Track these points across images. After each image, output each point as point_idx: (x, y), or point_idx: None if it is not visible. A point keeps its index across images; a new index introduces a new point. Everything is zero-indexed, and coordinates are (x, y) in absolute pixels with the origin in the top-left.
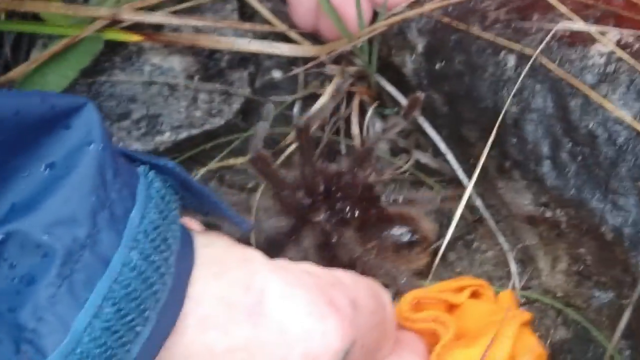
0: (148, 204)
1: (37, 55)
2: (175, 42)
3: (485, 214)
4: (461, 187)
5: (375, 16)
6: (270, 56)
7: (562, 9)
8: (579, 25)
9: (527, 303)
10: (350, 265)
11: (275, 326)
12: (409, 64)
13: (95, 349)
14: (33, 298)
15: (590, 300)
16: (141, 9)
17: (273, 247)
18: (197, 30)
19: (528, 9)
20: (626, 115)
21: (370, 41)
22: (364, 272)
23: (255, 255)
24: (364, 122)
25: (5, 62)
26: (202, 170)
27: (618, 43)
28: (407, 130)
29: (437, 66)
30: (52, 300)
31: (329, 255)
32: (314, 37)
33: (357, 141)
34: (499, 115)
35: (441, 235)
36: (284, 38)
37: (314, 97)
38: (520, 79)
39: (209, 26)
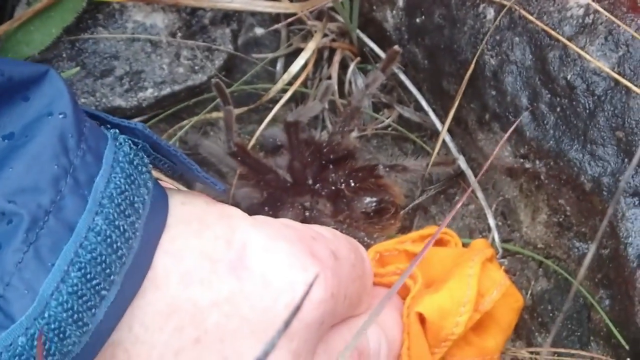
0: (115, 168)
1: (21, 13)
2: (158, 0)
3: (465, 168)
4: (443, 141)
5: None
6: (252, 13)
7: None
8: None
9: (508, 255)
10: None
11: (259, 279)
12: (389, 19)
13: (63, 312)
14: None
15: (570, 251)
16: None
17: None
18: None
19: None
20: (604, 66)
21: None
22: None
23: (234, 212)
24: (346, 79)
25: None
26: (186, 126)
27: None
28: (389, 86)
29: (418, 20)
30: (19, 266)
31: None
32: None
33: (338, 97)
34: (478, 68)
35: (423, 190)
36: None
37: (296, 53)
38: (495, 29)
39: None
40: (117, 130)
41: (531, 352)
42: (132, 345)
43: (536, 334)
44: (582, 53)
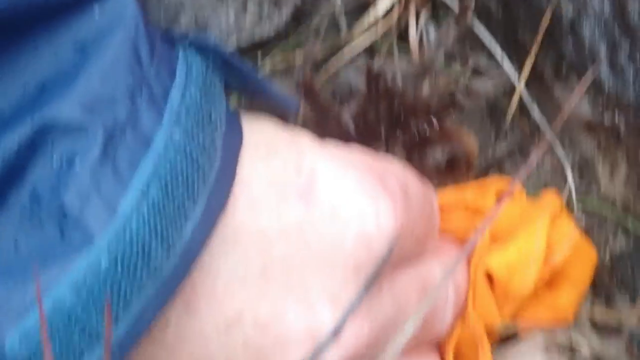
0: (189, 82)
1: None
2: None
3: (542, 122)
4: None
5: None
6: None
7: None
8: None
9: (586, 212)
10: None
11: (328, 207)
12: None
13: (145, 230)
14: (76, 180)
15: None
16: None
17: None
18: None
19: None
20: None
21: None
22: None
23: (304, 138)
24: (417, 28)
25: None
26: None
27: None
28: (462, 37)
29: None
30: (97, 181)
31: None
32: None
33: (413, 48)
34: (555, 18)
35: (497, 146)
36: None
37: (366, 5)
38: None
39: None
40: (189, 45)
41: (610, 314)
42: (198, 273)
43: (615, 294)
44: None
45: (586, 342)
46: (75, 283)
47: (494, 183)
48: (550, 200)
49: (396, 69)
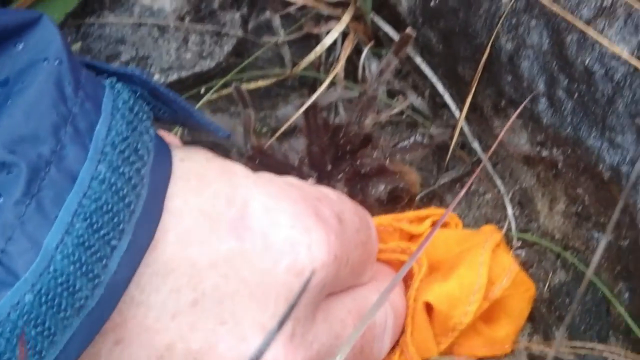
0: (115, 115)
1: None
2: None
3: (482, 156)
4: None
5: None
6: None
7: None
8: None
9: (525, 246)
10: None
11: (260, 239)
12: (404, 2)
13: (70, 265)
14: (1, 218)
15: (589, 242)
16: None
17: None
18: None
19: None
20: (623, 51)
21: None
22: None
23: (236, 168)
24: (359, 64)
25: None
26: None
27: None
28: (405, 71)
29: (432, 3)
30: (21, 219)
31: None
32: None
33: (352, 83)
34: (494, 52)
35: (439, 178)
36: None
37: (308, 37)
38: (511, 12)
39: None
40: (115, 78)
41: (547, 346)
42: (127, 306)
43: (553, 327)
44: (600, 37)
45: None
46: None
47: (432, 213)
48: (490, 233)
49: (339, 102)
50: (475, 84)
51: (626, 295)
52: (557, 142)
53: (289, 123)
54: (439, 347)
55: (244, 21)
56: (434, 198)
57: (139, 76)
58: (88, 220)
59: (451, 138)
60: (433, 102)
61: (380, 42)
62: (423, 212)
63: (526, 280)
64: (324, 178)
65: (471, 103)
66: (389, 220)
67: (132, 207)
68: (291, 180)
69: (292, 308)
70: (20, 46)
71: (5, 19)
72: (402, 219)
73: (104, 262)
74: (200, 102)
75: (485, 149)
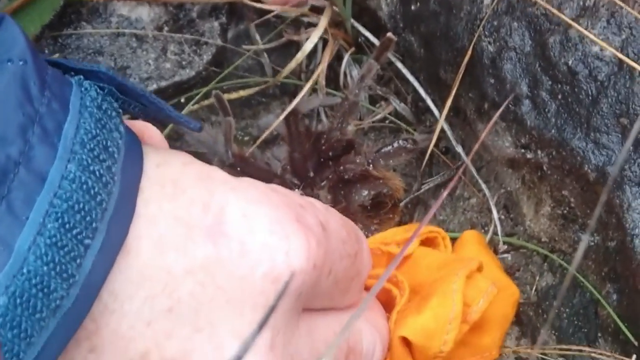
0: (83, 113)
1: None
2: None
3: (466, 160)
4: (442, 131)
5: None
6: (243, 4)
7: None
8: None
9: (512, 250)
10: None
11: (236, 245)
12: (384, 6)
13: (43, 266)
14: None
15: (575, 244)
16: None
17: None
18: None
19: None
20: (607, 50)
21: None
22: None
23: (214, 173)
24: (340, 70)
25: None
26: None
27: None
28: (387, 77)
29: (413, 7)
30: None
31: None
32: None
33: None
34: (476, 55)
35: (422, 183)
36: None
37: (289, 44)
38: (492, 14)
39: None
40: (82, 76)
41: (540, 352)
42: (101, 314)
43: (541, 330)
44: (587, 33)
45: None
46: None
47: (421, 232)
48: (468, 261)
49: (320, 109)
50: (457, 87)
51: (614, 296)
52: (541, 144)
53: (269, 130)
54: None
55: (223, 30)
56: (419, 204)
57: (105, 72)
58: (60, 220)
59: (431, 140)
60: (416, 107)
61: (361, 48)
62: (412, 231)
63: (510, 284)
64: (307, 185)
65: (454, 107)
66: (376, 243)
67: (104, 205)
68: (275, 186)
69: (269, 314)
70: None
71: None
72: (390, 242)
73: (78, 261)
74: (182, 112)
75: (469, 153)
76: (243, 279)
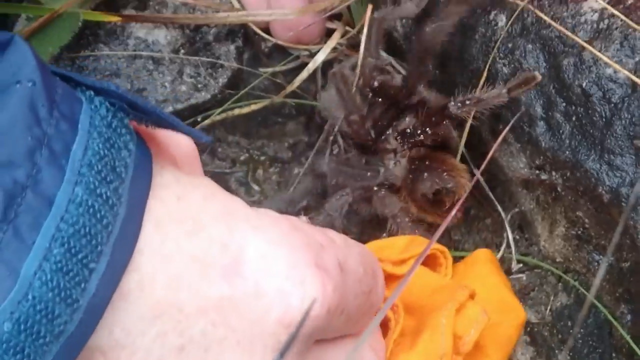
0: (92, 133)
1: (19, 29)
2: (154, 20)
3: (481, 180)
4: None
5: None
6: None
7: None
8: None
9: (526, 270)
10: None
11: (252, 285)
12: (399, 28)
13: (48, 292)
14: None
15: (590, 265)
16: None
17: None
18: (184, 4)
19: None
20: (621, 72)
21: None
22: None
23: (236, 207)
24: None
25: None
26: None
27: None
28: None
29: (428, 29)
30: None
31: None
32: None
33: None
34: (490, 77)
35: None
36: None
37: (304, 66)
38: (507, 36)
39: (191, 3)
40: (93, 92)
41: None
42: (111, 349)
43: (556, 351)
44: (600, 55)
45: None
46: None
47: (417, 252)
48: (483, 257)
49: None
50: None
51: (628, 317)
52: (555, 166)
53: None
54: None
55: (239, 53)
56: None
57: (115, 90)
58: (66, 245)
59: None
60: None
61: None
62: (410, 250)
63: (517, 306)
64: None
65: (469, 129)
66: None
67: (110, 228)
68: (297, 222)
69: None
70: None
71: None
72: (385, 260)
73: (82, 285)
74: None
75: (484, 173)
76: (256, 321)
